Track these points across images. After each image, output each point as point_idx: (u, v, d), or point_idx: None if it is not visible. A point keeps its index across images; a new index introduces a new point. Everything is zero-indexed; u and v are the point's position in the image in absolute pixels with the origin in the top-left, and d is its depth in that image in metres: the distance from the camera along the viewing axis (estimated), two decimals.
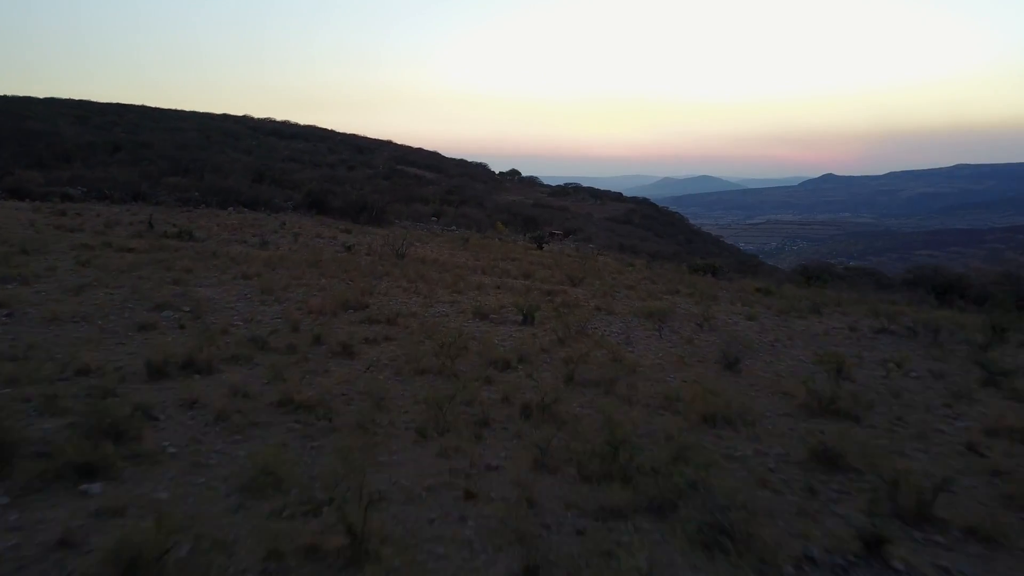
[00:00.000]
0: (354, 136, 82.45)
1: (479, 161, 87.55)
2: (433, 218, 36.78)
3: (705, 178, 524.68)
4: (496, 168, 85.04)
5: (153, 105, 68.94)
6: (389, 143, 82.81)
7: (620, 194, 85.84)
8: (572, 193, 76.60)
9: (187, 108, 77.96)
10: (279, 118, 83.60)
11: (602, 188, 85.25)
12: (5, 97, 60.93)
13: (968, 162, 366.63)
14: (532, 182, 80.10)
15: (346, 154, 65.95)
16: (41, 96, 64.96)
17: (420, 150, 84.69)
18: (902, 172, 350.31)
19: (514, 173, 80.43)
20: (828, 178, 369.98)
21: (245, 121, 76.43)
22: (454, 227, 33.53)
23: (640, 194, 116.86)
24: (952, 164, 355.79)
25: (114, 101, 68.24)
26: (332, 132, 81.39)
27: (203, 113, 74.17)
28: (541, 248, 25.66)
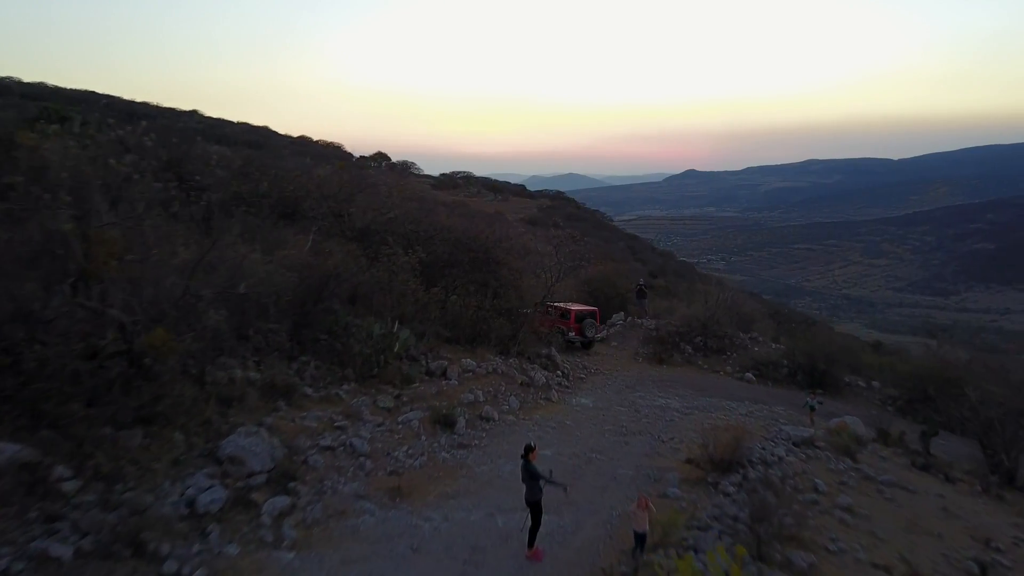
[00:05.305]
0: (141, 104, 55.29)
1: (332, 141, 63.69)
2: None
3: (572, 175, 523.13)
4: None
5: None
6: (192, 112, 56.52)
7: (523, 187, 66.19)
8: (463, 185, 55.66)
9: None
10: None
11: None
12: None
13: (817, 157, 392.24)
14: (406, 169, 57.93)
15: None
16: None
17: (244, 124, 59.35)
18: (758, 167, 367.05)
19: (381, 157, 57.65)
20: (690, 174, 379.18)
21: None
22: None
23: None
24: (803, 159, 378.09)
25: None
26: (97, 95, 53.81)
27: None
28: None
